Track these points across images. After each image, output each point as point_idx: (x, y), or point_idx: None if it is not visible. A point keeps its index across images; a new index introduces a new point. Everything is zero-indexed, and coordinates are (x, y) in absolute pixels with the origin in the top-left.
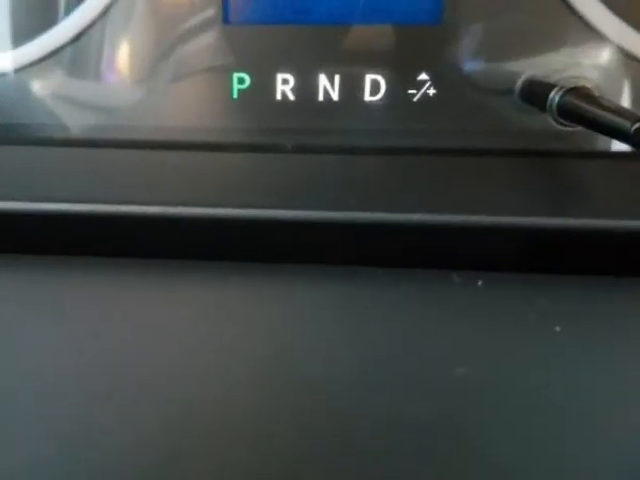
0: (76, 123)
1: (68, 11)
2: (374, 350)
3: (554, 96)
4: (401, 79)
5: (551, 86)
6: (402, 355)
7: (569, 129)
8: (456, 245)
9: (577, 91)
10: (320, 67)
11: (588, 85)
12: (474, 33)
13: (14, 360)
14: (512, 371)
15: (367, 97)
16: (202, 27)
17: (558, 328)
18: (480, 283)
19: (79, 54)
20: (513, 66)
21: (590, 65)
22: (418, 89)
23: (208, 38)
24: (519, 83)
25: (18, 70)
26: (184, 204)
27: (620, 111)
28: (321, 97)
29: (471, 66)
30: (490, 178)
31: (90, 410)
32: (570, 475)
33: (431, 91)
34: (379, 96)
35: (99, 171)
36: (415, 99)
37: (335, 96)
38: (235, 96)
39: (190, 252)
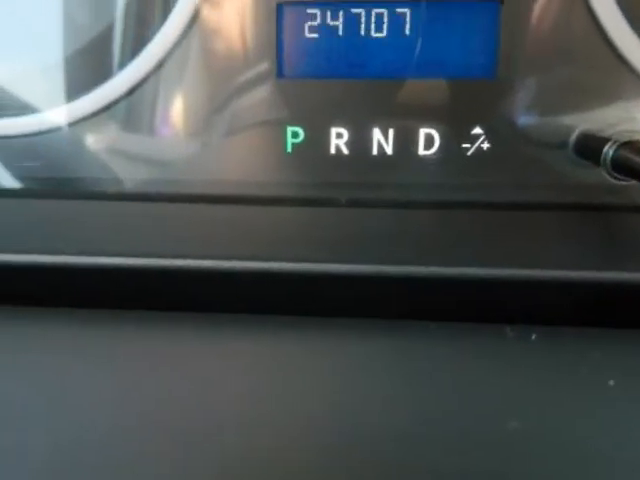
0: (130, 177)
1: (122, 65)
2: (427, 403)
3: (608, 150)
4: (455, 133)
5: (605, 140)
6: (455, 408)
7: (623, 183)
8: (509, 299)
9: (631, 145)
10: (374, 121)
11: None
12: (528, 87)
13: (68, 413)
14: (565, 425)
15: (421, 151)
16: (256, 81)
17: (612, 382)
18: (534, 337)
19: (133, 108)
20: (567, 120)
21: None
22: (472, 143)
23: (262, 92)
24: (573, 137)
25: (72, 124)
26: (238, 258)
27: None
28: (375, 151)
29: (525, 120)
30: (544, 232)
31: (144, 462)
32: None
33: (485, 145)
34: (433, 150)
35: (153, 225)
36: (469, 153)
37: (389, 150)
38: (289, 150)
39: (243, 306)
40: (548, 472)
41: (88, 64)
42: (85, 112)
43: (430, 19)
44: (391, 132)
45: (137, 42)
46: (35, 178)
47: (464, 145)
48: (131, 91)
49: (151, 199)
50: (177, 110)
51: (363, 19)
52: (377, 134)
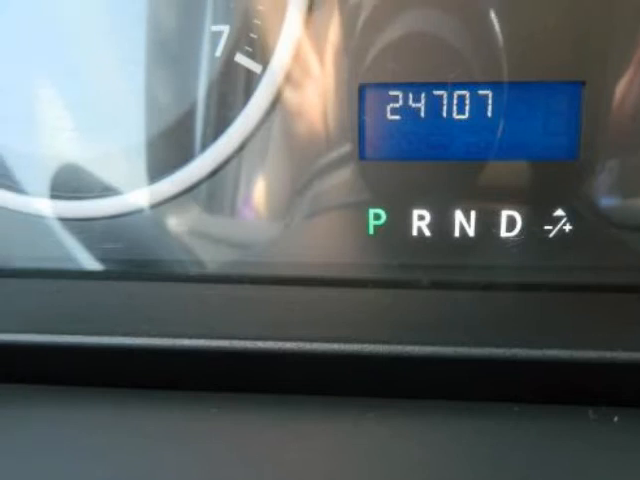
0: (211, 259)
1: (204, 147)
2: None
3: None
4: (537, 215)
5: None
6: None
7: None
8: (592, 381)
9: None
10: (456, 203)
11: None
12: (610, 169)
13: None
14: None
15: (503, 233)
16: (338, 163)
17: None
18: (616, 419)
19: (215, 190)
20: None
21: None
22: (554, 225)
23: (344, 174)
24: None
25: (154, 206)
26: (320, 340)
27: None
28: (457, 233)
29: (607, 202)
30: (626, 314)
31: None
32: None
33: (567, 227)
34: (515, 232)
35: (235, 307)
36: (551, 235)
37: (471, 232)
38: (371, 232)
39: (325, 387)
40: None
41: (170, 146)
42: (167, 194)
43: (512, 101)
44: (473, 214)
45: (219, 124)
46: (116, 260)
47: (546, 227)
48: (213, 173)
49: (233, 281)
50: (259, 192)
51: (445, 101)
52: (459, 216)
